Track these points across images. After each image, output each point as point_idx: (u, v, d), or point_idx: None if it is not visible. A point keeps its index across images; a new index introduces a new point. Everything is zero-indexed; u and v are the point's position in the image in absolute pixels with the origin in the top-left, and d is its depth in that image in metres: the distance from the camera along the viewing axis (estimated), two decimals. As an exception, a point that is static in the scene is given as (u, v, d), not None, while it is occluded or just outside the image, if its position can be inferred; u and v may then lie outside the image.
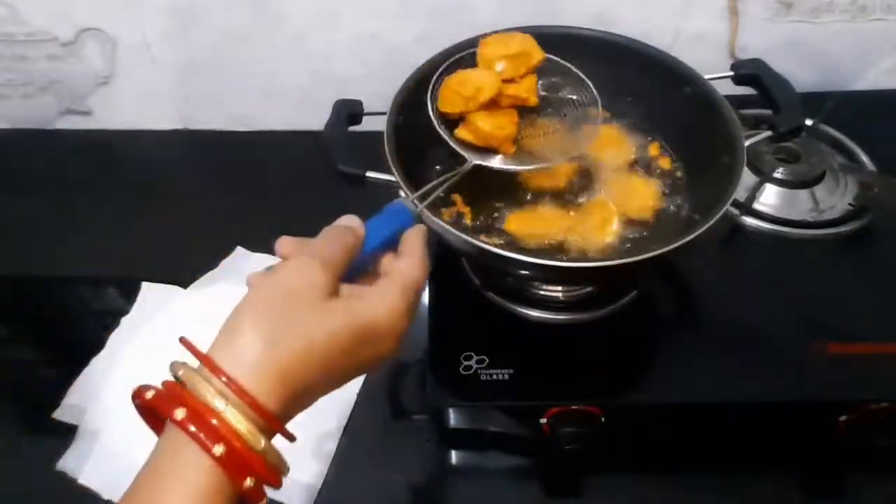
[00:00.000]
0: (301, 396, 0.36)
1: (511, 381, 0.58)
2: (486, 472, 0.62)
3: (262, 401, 0.34)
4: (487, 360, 0.59)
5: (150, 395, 0.34)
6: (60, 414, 0.64)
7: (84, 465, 0.60)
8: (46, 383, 0.69)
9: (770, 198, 0.73)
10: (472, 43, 0.64)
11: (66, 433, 0.63)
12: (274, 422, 0.34)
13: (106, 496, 0.58)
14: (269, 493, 0.58)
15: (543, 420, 0.58)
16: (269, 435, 0.35)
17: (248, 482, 0.33)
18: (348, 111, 0.61)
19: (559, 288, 0.64)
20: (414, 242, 0.44)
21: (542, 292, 0.64)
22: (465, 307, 0.64)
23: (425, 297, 0.67)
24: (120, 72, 0.88)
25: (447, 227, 0.52)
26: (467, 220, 0.61)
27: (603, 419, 0.57)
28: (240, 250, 0.75)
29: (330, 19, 0.82)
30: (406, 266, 0.42)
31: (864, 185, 0.73)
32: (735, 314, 0.63)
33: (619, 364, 0.60)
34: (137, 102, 0.90)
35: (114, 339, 0.69)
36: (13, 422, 0.67)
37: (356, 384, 0.66)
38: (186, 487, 0.32)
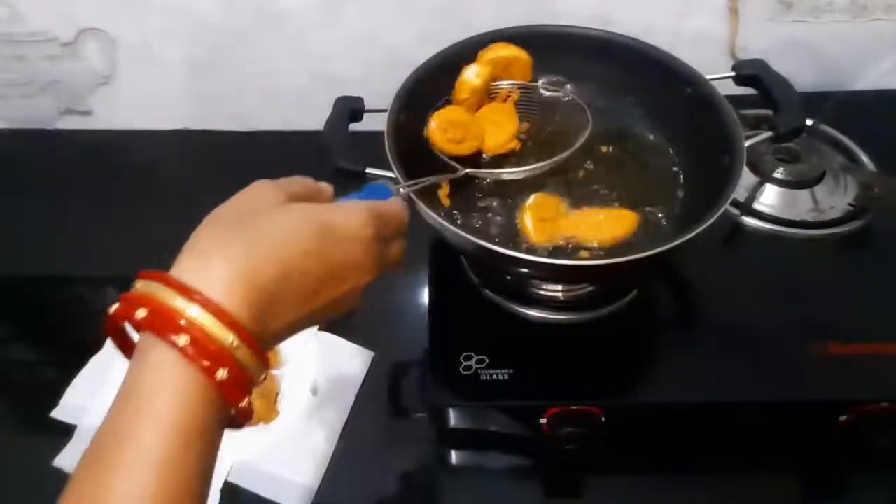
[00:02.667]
0: (271, 304, 0.34)
1: (511, 381, 0.58)
2: (486, 472, 0.62)
3: (226, 306, 0.32)
4: (487, 360, 0.59)
5: (113, 308, 0.34)
6: (59, 413, 0.64)
7: (83, 463, 0.60)
8: (46, 383, 0.68)
9: (770, 198, 0.73)
10: (472, 43, 0.65)
11: (65, 432, 0.63)
12: (236, 325, 0.32)
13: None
14: (268, 492, 0.59)
15: (543, 420, 0.58)
16: (245, 342, 0.33)
17: (221, 374, 0.32)
18: (349, 108, 0.61)
19: (559, 287, 0.64)
20: (395, 198, 0.45)
21: (542, 292, 0.63)
22: (465, 307, 0.64)
23: (425, 297, 0.68)
24: (120, 72, 0.88)
25: (444, 222, 0.52)
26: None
27: (603, 419, 0.57)
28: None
29: (330, 19, 0.82)
30: (381, 200, 0.43)
31: (864, 185, 0.73)
32: (735, 314, 0.63)
33: (619, 364, 0.60)
34: (137, 102, 0.90)
35: (113, 339, 0.69)
36: (12, 421, 0.67)
37: (355, 384, 0.66)
38: (161, 390, 0.31)
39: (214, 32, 0.83)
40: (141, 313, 0.32)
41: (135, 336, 0.34)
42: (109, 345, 0.71)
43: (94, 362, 0.68)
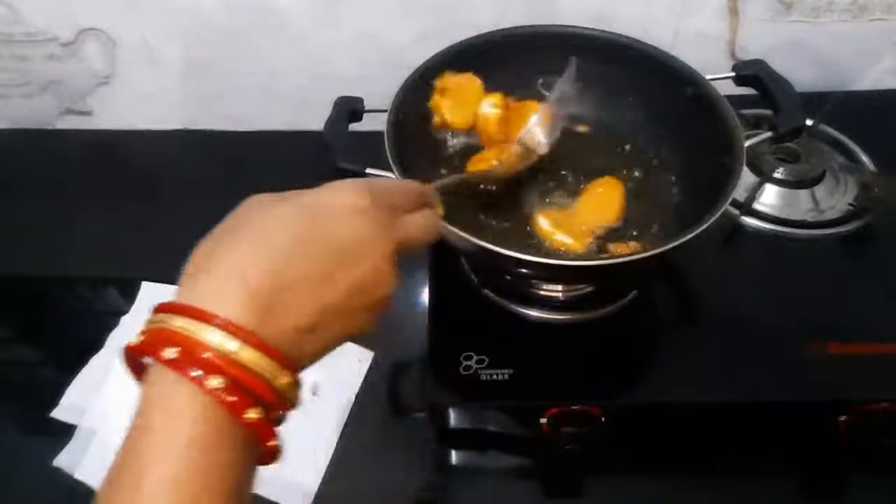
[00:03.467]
0: (277, 298, 0.31)
1: (511, 381, 0.58)
2: (486, 472, 0.62)
3: (234, 318, 0.30)
4: (487, 360, 0.59)
5: (135, 342, 0.31)
6: (59, 413, 0.64)
7: (81, 461, 0.60)
8: (46, 382, 0.68)
9: (770, 198, 0.73)
10: (472, 43, 0.65)
11: (65, 432, 0.63)
12: (250, 336, 0.30)
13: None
14: (267, 493, 0.59)
15: (543, 420, 0.58)
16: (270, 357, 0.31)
17: (252, 414, 0.29)
18: (349, 108, 0.61)
19: (559, 287, 0.64)
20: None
21: (541, 292, 0.63)
22: (465, 307, 0.64)
23: (425, 297, 0.68)
24: (120, 72, 0.88)
25: (444, 222, 0.52)
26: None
27: (603, 419, 0.57)
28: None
29: (330, 19, 0.82)
30: None
31: (864, 185, 0.73)
32: (735, 314, 0.63)
33: (619, 364, 0.60)
34: (137, 102, 0.90)
35: (113, 339, 0.69)
36: (12, 420, 0.67)
37: (355, 384, 0.66)
38: (182, 432, 0.29)
39: (214, 32, 0.83)
40: (170, 353, 0.29)
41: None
42: (109, 345, 0.72)
43: (94, 362, 0.68)
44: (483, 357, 0.59)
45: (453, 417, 0.62)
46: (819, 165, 0.74)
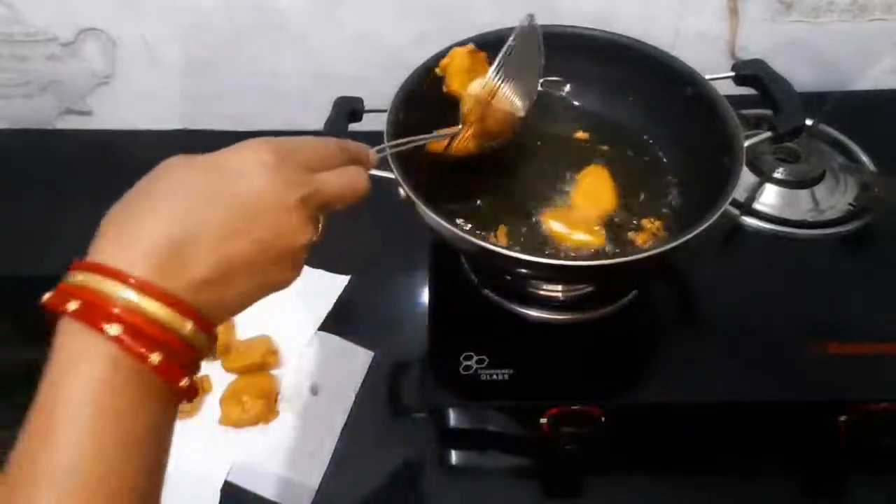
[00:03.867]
0: (181, 251, 0.32)
1: (511, 381, 0.58)
2: (486, 472, 0.62)
3: (133, 271, 0.31)
4: (487, 360, 0.59)
5: (47, 297, 0.33)
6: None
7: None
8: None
9: (770, 198, 0.73)
10: (472, 42, 0.65)
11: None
12: (148, 286, 0.31)
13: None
14: (267, 493, 0.59)
15: (543, 420, 0.58)
16: (179, 312, 0.32)
17: (155, 357, 0.31)
18: (349, 108, 0.61)
19: (559, 287, 0.64)
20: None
21: (541, 292, 0.63)
22: (465, 307, 0.64)
23: (425, 297, 0.68)
24: (120, 72, 0.88)
25: (442, 222, 0.52)
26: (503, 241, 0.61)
27: (603, 419, 0.57)
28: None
29: (330, 19, 0.82)
30: None
31: (864, 185, 0.73)
32: (735, 314, 0.63)
33: (619, 364, 0.60)
34: (137, 102, 0.90)
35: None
36: (12, 420, 0.67)
37: (355, 384, 0.66)
38: (88, 378, 0.30)
39: (214, 32, 0.83)
40: (72, 305, 0.31)
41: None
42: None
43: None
44: (483, 357, 0.59)
45: (453, 417, 0.62)
46: (819, 165, 0.74)
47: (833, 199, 0.73)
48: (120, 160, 0.90)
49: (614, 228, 0.61)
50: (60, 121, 0.93)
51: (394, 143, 0.53)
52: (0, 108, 0.92)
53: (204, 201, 0.34)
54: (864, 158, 0.77)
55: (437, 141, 0.58)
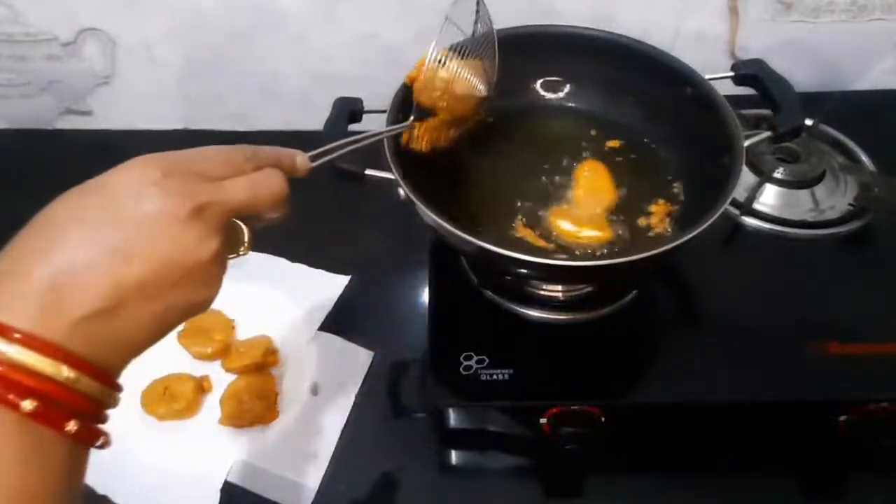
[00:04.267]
0: (60, 285, 0.30)
1: (511, 381, 0.58)
2: (486, 472, 0.62)
3: (6, 320, 0.29)
4: (487, 360, 0.59)
5: None
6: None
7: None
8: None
9: (770, 198, 0.73)
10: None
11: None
12: (22, 336, 0.29)
13: (101, 491, 0.58)
14: (267, 493, 0.59)
15: (543, 420, 0.58)
16: (74, 366, 0.30)
17: (28, 405, 0.29)
18: (348, 109, 0.61)
19: (559, 287, 0.64)
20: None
21: (542, 292, 0.63)
22: (465, 307, 0.64)
23: (425, 297, 0.68)
24: (120, 72, 0.88)
25: (441, 222, 0.52)
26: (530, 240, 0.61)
27: (603, 419, 0.57)
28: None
29: (329, 19, 0.82)
30: None
31: (864, 185, 0.73)
32: (735, 314, 0.63)
33: (619, 364, 0.60)
34: (137, 102, 0.90)
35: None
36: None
37: (355, 384, 0.66)
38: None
39: (214, 32, 0.83)
40: None
41: None
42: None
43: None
44: (483, 357, 0.59)
45: (453, 417, 0.62)
46: (819, 165, 0.74)
47: (833, 199, 0.73)
48: (120, 160, 0.90)
49: (623, 219, 0.62)
50: (60, 121, 0.93)
51: (333, 145, 0.47)
52: (0, 108, 0.92)
53: (89, 228, 0.32)
54: (864, 158, 0.77)
55: (384, 136, 0.54)
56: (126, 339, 0.33)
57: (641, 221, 0.61)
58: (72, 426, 0.30)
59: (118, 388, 0.33)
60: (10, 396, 0.29)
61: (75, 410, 0.31)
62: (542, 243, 0.60)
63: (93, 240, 0.32)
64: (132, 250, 0.32)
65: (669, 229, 0.61)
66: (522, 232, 0.61)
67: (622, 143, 0.68)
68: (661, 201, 0.63)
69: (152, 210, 0.32)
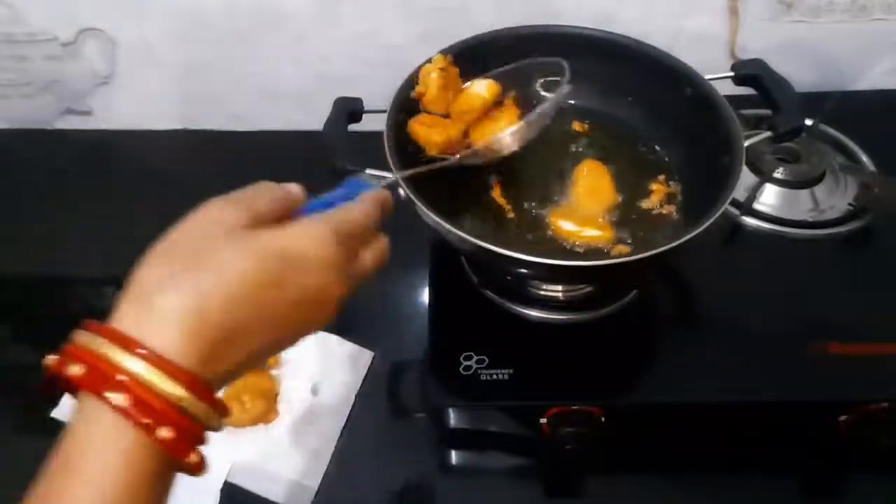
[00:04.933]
0: (226, 344, 0.32)
1: (511, 381, 0.58)
2: (486, 472, 0.62)
3: (172, 356, 0.30)
4: (487, 360, 0.59)
5: (50, 360, 0.31)
6: (59, 413, 0.64)
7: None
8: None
9: (770, 198, 0.73)
10: (472, 43, 0.65)
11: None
12: (184, 375, 0.30)
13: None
14: (269, 492, 0.59)
15: (543, 420, 0.58)
16: (195, 393, 0.31)
17: (163, 432, 0.29)
18: (348, 109, 0.61)
19: (559, 287, 0.64)
20: (364, 197, 0.41)
21: (542, 292, 0.63)
22: (465, 307, 0.64)
23: (425, 297, 0.68)
24: (120, 72, 0.88)
25: (441, 222, 0.52)
26: (509, 215, 0.62)
27: (603, 419, 0.57)
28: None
29: (330, 19, 0.82)
30: (341, 208, 0.40)
31: (864, 185, 0.73)
32: (735, 314, 0.63)
33: (619, 364, 0.60)
34: (137, 102, 0.90)
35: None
36: (12, 421, 0.67)
37: (355, 384, 0.66)
38: (98, 451, 0.29)
39: (214, 32, 0.83)
40: (75, 369, 0.30)
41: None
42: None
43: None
44: (483, 357, 0.59)
45: (453, 417, 0.62)
46: (819, 165, 0.74)
47: (833, 199, 0.73)
48: (120, 160, 0.90)
49: (625, 206, 0.62)
50: (60, 121, 0.93)
51: (406, 172, 0.52)
52: (0, 108, 0.92)
53: (264, 293, 0.33)
54: (864, 158, 0.77)
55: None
56: (235, 364, 0.33)
57: (645, 204, 0.62)
58: (194, 457, 0.31)
59: (226, 413, 0.33)
60: (146, 420, 0.29)
61: (198, 439, 0.32)
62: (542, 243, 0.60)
63: (261, 305, 0.33)
64: (291, 317, 0.35)
65: (675, 211, 0.62)
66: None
67: (622, 143, 0.68)
68: (659, 179, 0.64)
69: (325, 290, 0.36)
